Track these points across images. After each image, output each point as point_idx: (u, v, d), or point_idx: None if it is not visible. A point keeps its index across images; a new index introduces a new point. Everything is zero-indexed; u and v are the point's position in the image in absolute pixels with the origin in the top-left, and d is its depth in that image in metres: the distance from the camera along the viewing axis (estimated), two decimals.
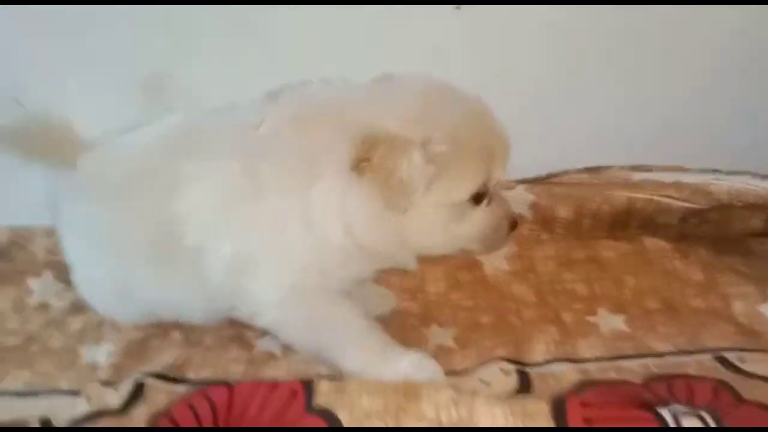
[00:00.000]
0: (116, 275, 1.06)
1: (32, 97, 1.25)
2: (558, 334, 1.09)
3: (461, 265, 1.25)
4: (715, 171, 1.28)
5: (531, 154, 1.37)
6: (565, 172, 1.36)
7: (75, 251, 1.12)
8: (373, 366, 0.94)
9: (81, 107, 1.26)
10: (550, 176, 1.36)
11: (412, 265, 1.01)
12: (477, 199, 0.96)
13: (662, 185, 1.26)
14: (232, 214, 0.96)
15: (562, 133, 1.39)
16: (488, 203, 0.98)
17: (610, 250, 1.23)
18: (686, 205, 1.23)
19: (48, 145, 1.08)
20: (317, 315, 0.99)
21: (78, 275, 1.14)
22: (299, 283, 0.97)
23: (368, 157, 0.89)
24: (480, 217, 0.98)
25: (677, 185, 1.25)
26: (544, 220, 1.29)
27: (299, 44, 1.29)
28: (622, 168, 1.33)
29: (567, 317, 1.14)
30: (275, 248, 0.96)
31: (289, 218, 0.95)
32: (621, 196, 1.24)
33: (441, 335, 1.10)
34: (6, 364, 1.05)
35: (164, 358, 1.03)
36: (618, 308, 1.16)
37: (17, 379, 1.02)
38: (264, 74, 1.22)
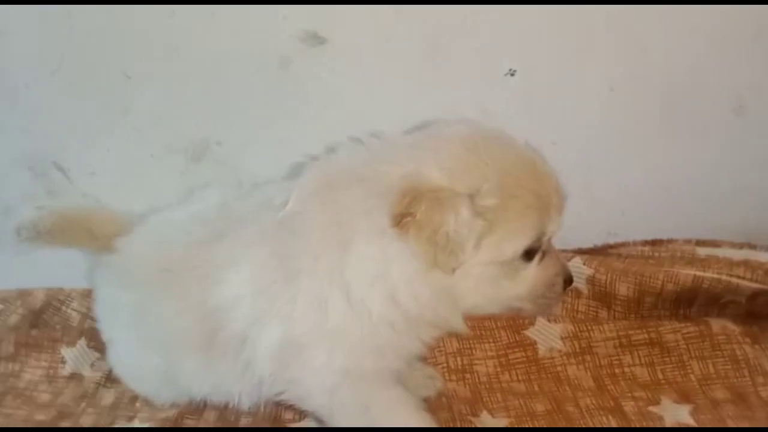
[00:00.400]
0: (157, 362, 1.01)
1: (72, 161, 1.25)
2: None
3: (513, 344, 1.17)
4: None
5: (586, 223, 1.32)
6: (624, 244, 1.29)
7: (112, 333, 1.09)
8: None
9: (121, 172, 1.25)
10: (607, 247, 1.29)
11: (461, 327, 0.93)
12: (529, 254, 0.89)
13: (731, 263, 1.18)
14: (268, 301, 0.91)
15: (620, 201, 1.32)
16: (541, 259, 0.92)
17: (674, 333, 1.15)
18: (758, 286, 1.14)
19: (83, 236, 1.08)
20: (370, 401, 0.92)
21: (114, 356, 1.11)
22: (353, 367, 0.91)
23: (411, 212, 0.82)
24: (532, 275, 0.91)
25: (748, 264, 1.16)
26: (603, 297, 1.21)
27: (344, 106, 1.24)
28: (686, 242, 1.25)
29: (627, 407, 1.06)
30: (318, 331, 0.90)
31: (327, 297, 0.89)
32: (687, 274, 1.16)
33: (492, 425, 1.03)
34: None
35: None
36: (683, 398, 1.08)
37: None
38: (309, 137, 1.21)
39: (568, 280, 0.96)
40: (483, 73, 1.23)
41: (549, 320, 1.18)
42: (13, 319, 1.26)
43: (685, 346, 1.14)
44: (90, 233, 1.09)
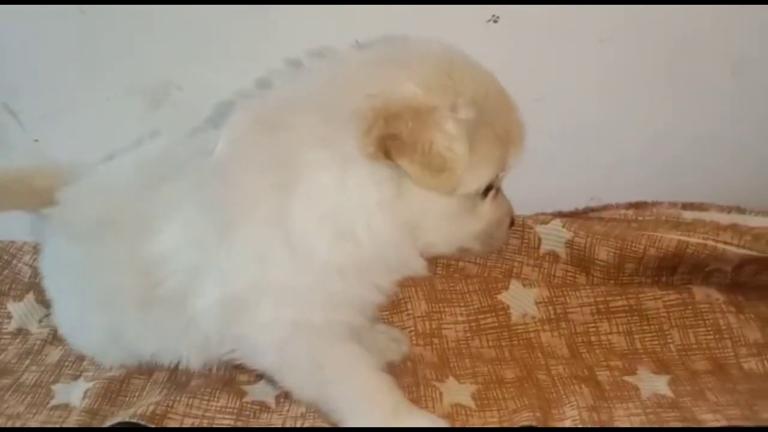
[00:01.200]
0: (101, 318, 0.96)
1: (24, 103, 1.18)
2: (591, 397, 0.95)
3: (485, 308, 1.12)
4: None
5: (569, 183, 1.26)
6: (607, 207, 1.22)
7: (57, 290, 1.03)
8: (384, 424, 0.82)
9: (75, 117, 1.18)
10: (589, 210, 1.23)
11: (420, 267, 0.88)
12: (487, 190, 0.85)
13: (718, 227, 1.12)
14: (203, 254, 0.85)
15: (605, 161, 1.25)
16: (494, 197, 0.87)
17: (655, 300, 1.09)
18: (745, 252, 1.08)
19: (26, 197, 1.04)
20: (323, 359, 0.86)
21: (59, 314, 1.05)
22: (302, 320, 0.85)
23: (394, 133, 0.75)
24: (488, 211, 0.87)
25: (735, 229, 1.10)
26: (582, 262, 1.16)
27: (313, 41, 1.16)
28: (672, 205, 1.19)
29: (602, 376, 1.01)
30: (259, 284, 0.84)
31: (266, 245, 0.82)
32: (671, 239, 1.10)
33: (458, 392, 0.97)
34: None
35: (145, 406, 0.91)
36: (661, 368, 1.03)
37: None
38: None
39: (512, 221, 0.93)
40: (464, 19, 1.14)
41: (524, 285, 1.13)
42: None
43: (665, 315, 1.09)
44: (32, 192, 1.03)
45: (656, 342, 1.08)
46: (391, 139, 0.75)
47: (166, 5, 1.11)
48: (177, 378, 1.00)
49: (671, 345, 1.07)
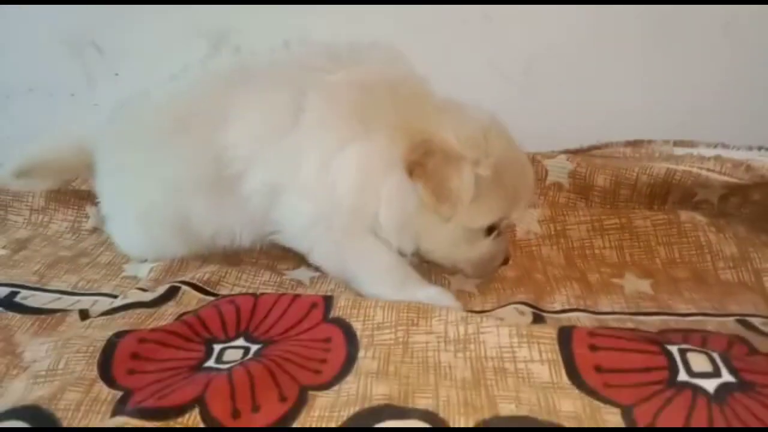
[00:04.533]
0: (166, 212, 1.10)
1: (111, 40, 1.37)
2: (580, 290, 1.10)
3: None
4: (760, 148, 1.26)
5: (574, 124, 1.41)
6: (608, 145, 1.37)
7: (116, 203, 1.18)
8: (394, 294, 0.98)
9: (154, 51, 1.36)
10: (592, 148, 1.37)
11: (407, 253, 1.06)
12: (490, 230, 1.05)
13: (702, 159, 1.25)
14: (262, 148, 1.02)
15: (605, 105, 1.40)
16: (495, 237, 1.06)
17: (644, 219, 1.23)
18: (726, 179, 1.20)
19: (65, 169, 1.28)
20: (344, 246, 1.04)
21: (117, 229, 1.20)
22: (324, 215, 1.02)
23: (423, 162, 0.96)
24: (486, 246, 1.06)
25: (718, 159, 1.23)
26: (582, 189, 1.30)
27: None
28: (665, 142, 1.33)
29: (592, 278, 1.14)
30: (293, 181, 1.02)
31: (307, 157, 1.00)
32: (660, 167, 1.23)
33: (464, 282, 1.13)
34: (57, 270, 1.14)
35: (201, 273, 1.09)
36: (646, 274, 1.16)
37: (66, 282, 1.10)
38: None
39: (506, 260, 1.13)
40: None
41: (529, 206, 1.27)
42: None
43: (653, 232, 1.22)
44: (63, 170, 1.27)
45: (644, 256, 1.21)
46: (420, 166, 0.97)
47: None
48: (229, 259, 1.16)
49: (657, 259, 1.20)
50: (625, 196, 1.28)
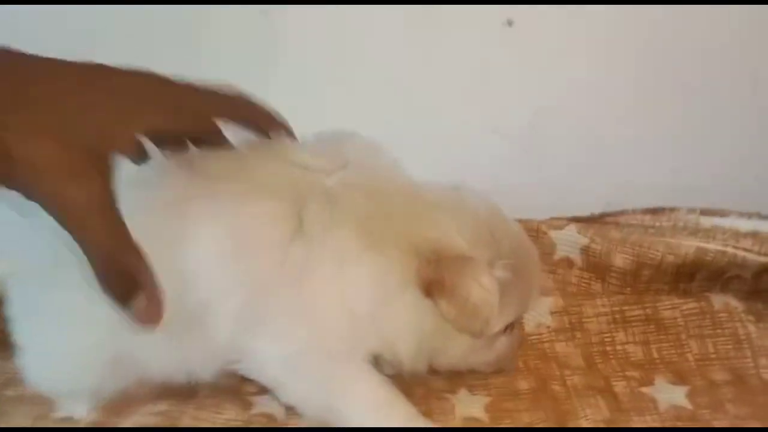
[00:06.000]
0: (103, 353, 0.89)
1: None
2: (608, 410, 0.94)
3: None
4: None
5: (586, 188, 1.25)
6: (623, 212, 1.20)
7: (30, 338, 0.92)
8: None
9: None
10: (605, 215, 1.21)
11: (419, 372, 0.93)
12: (507, 327, 0.94)
13: (738, 234, 1.09)
14: (246, 265, 0.83)
15: (623, 167, 1.24)
16: (511, 331, 0.96)
17: (672, 309, 1.07)
18: (766, 260, 1.06)
19: None
20: (336, 377, 0.87)
21: (34, 367, 0.93)
22: (320, 340, 0.85)
23: (439, 279, 0.83)
24: (503, 344, 0.96)
25: (756, 236, 1.07)
26: (597, 268, 1.13)
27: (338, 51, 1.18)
28: (690, 211, 1.16)
29: (619, 387, 0.99)
30: (294, 305, 0.84)
31: (319, 273, 0.83)
32: (689, 246, 1.08)
33: (471, 404, 0.96)
34: None
35: (152, 416, 0.91)
36: (679, 378, 1.01)
37: None
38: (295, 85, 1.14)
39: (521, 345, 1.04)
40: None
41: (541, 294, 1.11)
42: None
43: (683, 324, 1.07)
44: None
45: (674, 352, 1.05)
46: (437, 283, 0.83)
47: None
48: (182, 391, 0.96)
49: (689, 355, 1.05)
50: (647, 277, 1.11)
